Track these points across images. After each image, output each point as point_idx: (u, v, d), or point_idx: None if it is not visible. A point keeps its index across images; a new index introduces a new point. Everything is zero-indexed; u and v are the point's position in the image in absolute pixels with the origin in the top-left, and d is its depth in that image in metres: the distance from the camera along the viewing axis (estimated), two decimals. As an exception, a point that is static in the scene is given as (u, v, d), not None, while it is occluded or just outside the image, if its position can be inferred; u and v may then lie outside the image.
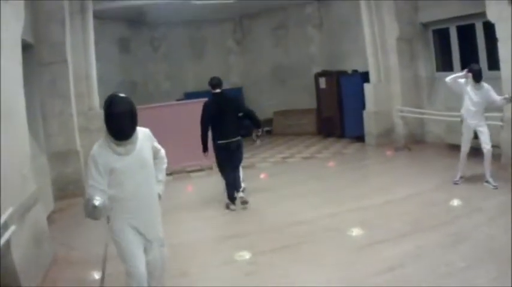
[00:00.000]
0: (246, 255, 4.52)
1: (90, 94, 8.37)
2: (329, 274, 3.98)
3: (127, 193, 3.00)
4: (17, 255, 3.70)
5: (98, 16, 9.36)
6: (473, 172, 6.45)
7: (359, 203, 5.98)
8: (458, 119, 6.49)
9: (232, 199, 6.24)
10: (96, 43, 8.62)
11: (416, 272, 3.84)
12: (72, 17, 7.97)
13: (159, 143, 3.35)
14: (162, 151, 3.37)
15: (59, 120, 7.40)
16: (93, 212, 2.81)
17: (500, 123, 6.79)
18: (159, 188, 3.27)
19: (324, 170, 8.36)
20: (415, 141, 9.53)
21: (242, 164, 6.51)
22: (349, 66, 11.33)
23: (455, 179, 6.38)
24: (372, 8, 9.63)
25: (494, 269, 3.68)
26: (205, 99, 6.50)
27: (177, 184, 8.01)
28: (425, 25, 9.50)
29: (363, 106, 10.16)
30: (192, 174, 8.81)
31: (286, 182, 7.60)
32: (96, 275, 4.32)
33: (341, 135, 11.25)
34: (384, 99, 9.81)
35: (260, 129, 6.64)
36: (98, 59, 8.62)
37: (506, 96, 6.02)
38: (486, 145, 6.01)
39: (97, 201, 2.79)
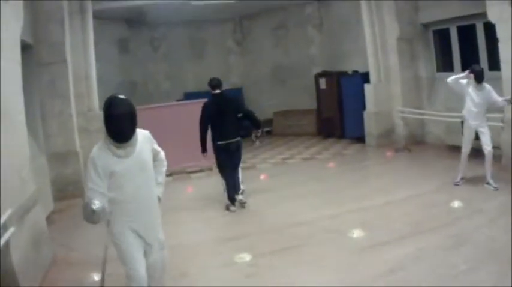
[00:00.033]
0: (246, 257, 4.51)
1: (89, 95, 8.35)
2: (329, 276, 3.97)
3: (127, 196, 2.98)
4: (16, 256, 3.68)
5: (98, 16, 9.33)
6: (474, 173, 6.43)
7: (359, 204, 5.96)
8: (459, 119, 6.48)
9: (232, 200, 6.23)
10: (96, 43, 8.60)
11: (417, 274, 3.83)
12: (72, 17, 7.94)
13: (159, 144, 3.32)
14: (162, 153, 3.34)
15: (58, 121, 7.38)
16: (91, 216, 2.78)
17: (501, 124, 6.80)
18: (158, 191, 3.25)
19: (324, 171, 8.34)
20: (415, 142, 9.52)
21: (241, 165, 6.49)
22: (349, 66, 11.31)
23: (456, 180, 6.36)
24: (372, 8, 9.63)
25: (495, 271, 3.67)
26: (205, 99, 6.50)
27: (177, 185, 7.99)
28: (426, 25, 9.49)
29: (363, 107, 10.15)
30: (192, 175, 8.80)
31: (286, 183, 7.59)
32: (96, 277, 4.31)
33: (341, 136, 11.23)
34: (384, 99, 9.79)
35: (260, 130, 6.64)
36: (97, 59, 8.60)
37: (508, 98, 6.02)
38: (487, 146, 6.00)
39: (95, 205, 2.76)
